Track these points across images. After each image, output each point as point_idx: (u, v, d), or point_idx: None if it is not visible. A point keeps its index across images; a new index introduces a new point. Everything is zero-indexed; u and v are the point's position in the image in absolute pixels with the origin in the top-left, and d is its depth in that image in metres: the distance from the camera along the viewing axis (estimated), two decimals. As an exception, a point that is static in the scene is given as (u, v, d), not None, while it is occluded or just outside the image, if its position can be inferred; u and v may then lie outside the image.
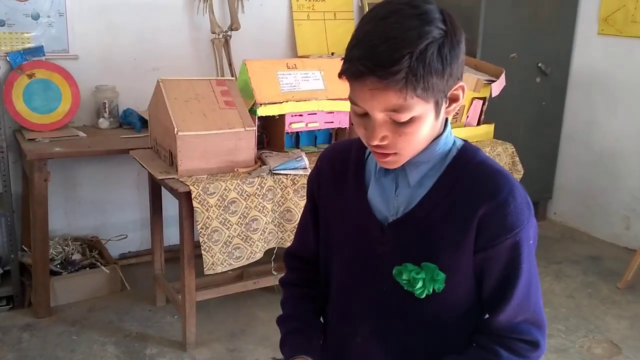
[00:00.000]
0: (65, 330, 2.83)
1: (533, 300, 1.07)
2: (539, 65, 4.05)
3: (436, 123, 1.01)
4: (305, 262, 1.28)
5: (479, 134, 3.22)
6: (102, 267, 3.13)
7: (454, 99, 1.01)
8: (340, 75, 0.97)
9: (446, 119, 1.07)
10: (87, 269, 3.14)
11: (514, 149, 3.23)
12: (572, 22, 4.13)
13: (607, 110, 4.04)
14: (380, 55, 0.91)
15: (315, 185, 1.21)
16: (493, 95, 3.16)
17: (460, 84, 1.00)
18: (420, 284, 1.04)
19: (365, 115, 0.98)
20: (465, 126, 3.20)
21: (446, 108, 1.02)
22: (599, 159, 4.13)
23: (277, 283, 2.92)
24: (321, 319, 1.26)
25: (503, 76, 3.14)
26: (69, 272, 3.08)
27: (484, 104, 3.21)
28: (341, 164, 1.16)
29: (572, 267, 3.73)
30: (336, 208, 1.16)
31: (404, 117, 0.95)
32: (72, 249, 3.19)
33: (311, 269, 1.26)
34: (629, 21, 3.82)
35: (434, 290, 1.05)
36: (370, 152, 1.11)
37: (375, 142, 0.99)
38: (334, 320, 1.22)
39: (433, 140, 1.05)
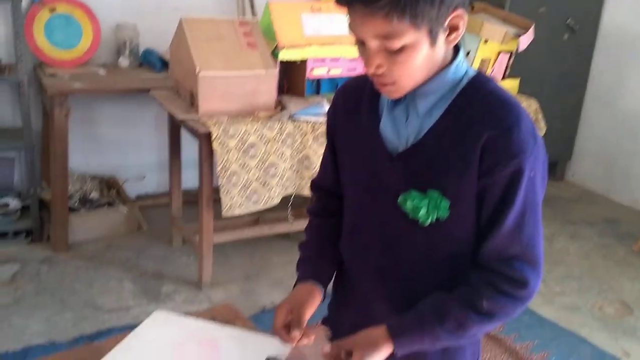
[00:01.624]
0: (82, 265, 2.88)
1: (526, 234, 1.05)
2: (568, 22, 3.94)
3: (433, 52, 1.01)
4: (327, 193, 1.31)
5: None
6: (120, 206, 3.16)
7: (453, 28, 1.01)
8: (337, 3, 0.98)
9: (459, 47, 1.07)
10: (105, 207, 3.17)
11: (538, 106, 3.17)
12: (605, -22, 4.00)
13: (635, 72, 3.94)
14: None
15: (332, 119, 1.24)
16: (520, 49, 3.08)
17: (459, 12, 0.99)
18: (423, 211, 1.05)
19: (364, 43, 1.00)
20: (489, 80, 3.14)
21: (446, 37, 1.01)
22: (622, 122, 4.06)
23: (293, 229, 2.95)
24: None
25: (532, 30, 3.06)
26: (87, 210, 3.11)
27: (510, 57, 3.14)
28: (356, 97, 1.18)
29: (588, 229, 3.71)
30: (350, 140, 1.18)
31: (395, 44, 0.96)
32: (90, 187, 3.21)
33: (332, 199, 1.29)
34: (665, -21, 3.69)
35: (438, 218, 1.05)
36: None
37: (372, 70, 1.01)
38: (345, 249, 1.25)
39: (442, 70, 1.05)
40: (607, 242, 3.55)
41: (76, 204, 3.10)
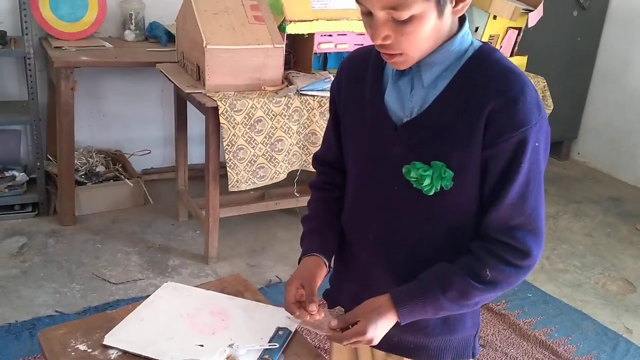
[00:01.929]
0: (89, 238, 2.90)
1: (530, 204, 1.05)
2: (578, -2, 3.90)
3: (440, 23, 1.01)
4: (330, 167, 1.31)
5: (511, 65, 3.14)
6: (126, 180, 3.17)
7: None
8: None
9: (464, 19, 1.07)
10: (111, 181, 3.17)
11: (546, 83, 3.15)
12: (617, -47, 3.95)
13: (644, 50, 3.92)
14: None
15: (336, 92, 1.24)
16: (529, 26, 3.05)
17: None
18: (427, 181, 1.06)
19: (370, 14, 1.00)
20: (497, 57, 3.12)
21: (453, 8, 1.01)
22: (630, 101, 4.03)
23: (298, 205, 2.96)
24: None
25: (541, 6, 3.03)
26: (93, 183, 3.12)
27: (518, 34, 3.11)
28: (360, 69, 1.18)
29: (592, 207, 3.72)
30: (354, 112, 1.18)
31: (404, 15, 0.96)
32: (96, 161, 3.22)
33: (335, 173, 1.30)
34: (677, -45, 3.63)
35: (442, 188, 1.06)
36: None
37: (379, 42, 1.01)
38: (346, 221, 1.26)
39: (447, 40, 1.05)
40: (611, 221, 3.56)
41: (82, 178, 3.11)
